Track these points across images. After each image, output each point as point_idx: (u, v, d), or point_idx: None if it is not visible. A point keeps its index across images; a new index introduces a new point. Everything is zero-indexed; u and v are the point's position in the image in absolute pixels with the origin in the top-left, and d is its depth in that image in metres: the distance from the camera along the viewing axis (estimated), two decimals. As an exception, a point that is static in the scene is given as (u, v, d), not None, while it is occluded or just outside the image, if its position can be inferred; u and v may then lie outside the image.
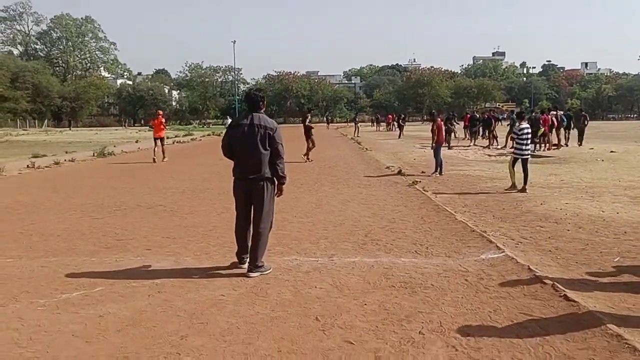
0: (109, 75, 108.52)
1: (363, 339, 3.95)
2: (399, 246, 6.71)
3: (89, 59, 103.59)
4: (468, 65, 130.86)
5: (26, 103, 78.10)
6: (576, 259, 6.09)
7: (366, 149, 25.30)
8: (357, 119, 46.76)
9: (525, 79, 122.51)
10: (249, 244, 5.73)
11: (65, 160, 19.29)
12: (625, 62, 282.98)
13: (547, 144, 22.81)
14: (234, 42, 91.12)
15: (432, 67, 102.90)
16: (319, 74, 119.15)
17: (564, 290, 4.77)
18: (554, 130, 23.05)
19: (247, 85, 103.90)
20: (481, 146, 26.13)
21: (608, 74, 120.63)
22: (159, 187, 12.36)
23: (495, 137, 26.58)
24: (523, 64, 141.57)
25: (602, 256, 6.20)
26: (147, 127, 26.68)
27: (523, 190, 11.14)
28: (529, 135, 11.58)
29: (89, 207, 9.72)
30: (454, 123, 28.88)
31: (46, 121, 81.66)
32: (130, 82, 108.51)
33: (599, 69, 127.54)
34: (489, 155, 21.34)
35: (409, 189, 11.64)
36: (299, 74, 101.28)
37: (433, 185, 12.48)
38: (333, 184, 12.64)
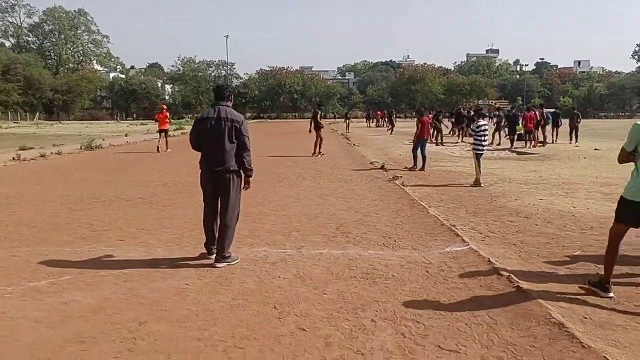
0: (102, 69, 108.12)
1: (316, 326, 4.08)
2: (369, 239, 6.85)
3: (81, 52, 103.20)
4: (462, 62, 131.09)
5: (18, 96, 77.79)
6: (539, 253, 6.25)
7: (354, 144, 25.41)
8: (348, 115, 46.88)
9: (518, 76, 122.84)
10: (217, 235, 5.85)
11: (52, 153, 19.32)
12: (619, 61, 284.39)
13: (533, 141, 23.02)
14: (227, 36, 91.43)
15: (425, 64, 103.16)
16: (313, 69, 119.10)
17: (518, 282, 4.92)
18: (540, 127, 23.27)
19: (241, 80, 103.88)
20: (469, 143, 26.30)
21: (601, 73, 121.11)
22: (141, 181, 12.45)
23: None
24: (517, 62, 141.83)
25: (564, 250, 6.36)
26: (153, 120, 28.14)
27: (479, 183, 11.66)
28: (487, 132, 12.29)
29: (69, 199, 9.80)
30: (443, 120, 29.11)
31: (38, 114, 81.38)
32: (123, 76, 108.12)
33: (592, 68, 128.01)
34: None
35: (388, 184, 11.78)
36: (292, 70, 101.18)
37: (413, 180, 12.61)
38: (315, 179, 12.77)
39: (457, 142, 26.65)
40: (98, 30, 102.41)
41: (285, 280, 5.21)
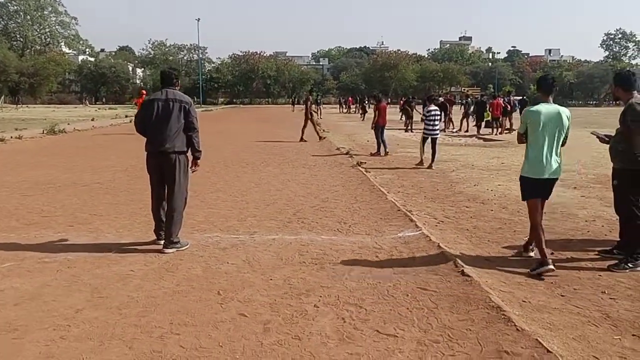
0: (70, 51, 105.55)
1: (257, 312, 4.05)
2: (323, 224, 6.84)
3: (48, 33, 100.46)
4: (435, 49, 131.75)
5: (-19, 78, 75.67)
6: (489, 238, 6.32)
7: (323, 130, 25.29)
8: (318, 101, 46.70)
9: (490, 64, 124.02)
10: (165, 219, 5.78)
11: (11, 137, 18.80)
12: (587, 50, 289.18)
13: (500, 128, 23.30)
14: (198, 19, 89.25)
15: (398, 50, 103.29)
16: (287, 54, 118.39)
17: (463, 267, 4.96)
18: (507, 115, 23.56)
19: (213, 65, 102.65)
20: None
21: (570, 61, 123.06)
22: (101, 165, 12.22)
23: (451, 121, 27.01)
24: (489, 50, 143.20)
25: (515, 235, 6.44)
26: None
27: (430, 167, 12.19)
28: (437, 117, 13.01)
29: (23, 184, 9.56)
30: (415, 107, 29.24)
31: (2, 97, 79.17)
32: (93, 59, 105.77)
33: (562, 56, 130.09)
34: (443, 138, 21.67)
35: (351, 170, 11.78)
36: (265, 55, 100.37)
37: (377, 166, 12.65)
38: (279, 164, 12.70)
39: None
40: (65, 11, 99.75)
41: (233, 265, 5.16)
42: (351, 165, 12.43)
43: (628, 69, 5.76)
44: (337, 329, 3.76)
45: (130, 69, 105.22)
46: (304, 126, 19.42)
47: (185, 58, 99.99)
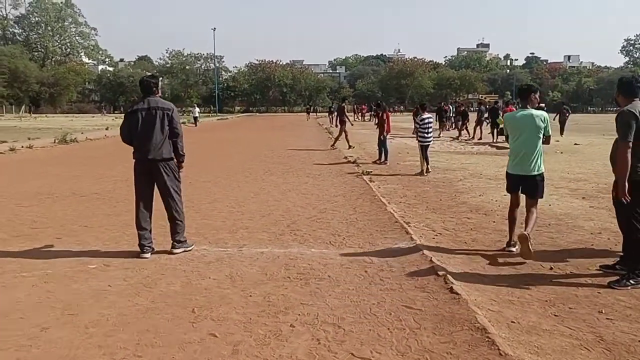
0: (90, 61, 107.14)
1: (229, 332, 3.86)
2: (317, 237, 6.63)
3: (68, 44, 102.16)
4: (452, 56, 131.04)
5: (2, 88, 76.88)
6: (487, 251, 6.06)
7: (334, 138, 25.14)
8: (332, 109, 46.55)
9: (508, 71, 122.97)
10: (150, 228, 5.85)
11: (22, 147, 18.94)
12: (608, 56, 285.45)
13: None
14: (214, 29, 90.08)
15: (415, 57, 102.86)
16: (303, 63, 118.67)
17: (452, 283, 4.71)
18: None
19: (230, 74, 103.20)
20: (451, 137, 26.23)
21: (590, 67, 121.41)
22: (105, 175, 12.18)
23: (466, 129, 26.68)
24: (507, 56, 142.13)
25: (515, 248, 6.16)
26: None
27: (423, 173, 12.44)
28: (431, 125, 13.12)
29: (21, 194, 9.52)
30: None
31: (23, 107, 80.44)
32: (111, 69, 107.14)
33: (582, 62, 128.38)
34: (456, 147, 21.37)
35: (355, 179, 11.57)
36: (281, 63, 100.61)
37: (383, 175, 12.42)
38: (283, 173, 12.54)
39: (439, 136, 26.43)
40: (85, 22, 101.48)
41: (214, 280, 4.98)
42: (356, 175, 12.22)
43: (634, 75, 5.42)
44: (310, 352, 3.55)
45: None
46: (340, 134, 19.60)
47: (202, 67, 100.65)
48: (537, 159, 5.74)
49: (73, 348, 3.60)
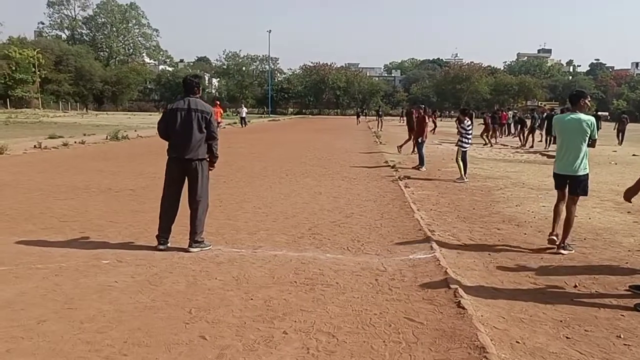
0: (151, 61, 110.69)
1: (220, 335, 3.79)
2: (335, 241, 6.50)
3: (131, 44, 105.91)
4: (511, 62, 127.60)
5: (69, 86, 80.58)
6: (509, 264, 5.77)
7: (380, 142, 24.93)
8: (380, 113, 46.27)
9: (570, 77, 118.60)
10: (172, 223, 6.00)
11: (75, 142, 19.64)
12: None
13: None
14: (269, 31, 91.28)
15: (471, 62, 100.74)
16: (359, 66, 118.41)
17: (462, 297, 4.48)
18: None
19: (284, 75, 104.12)
20: (502, 145, 25.48)
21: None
22: (145, 171, 12.42)
23: (523, 135, 25.74)
24: (570, 62, 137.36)
25: (540, 262, 5.86)
26: None
27: (463, 178, 12.19)
28: (472, 131, 12.81)
29: (60, 188, 9.82)
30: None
31: (87, 104, 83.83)
32: (171, 69, 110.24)
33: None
34: (504, 154, 20.71)
35: (391, 184, 11.34)
36: (335, 66, 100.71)
37: (420, 180, 12.14)
38: (319, 176, 12.44)
39: (491, 143, 25.66)
40: (148, 23, 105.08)
41: (220, 282, 4.93)
42: (392, 179, 11.98)
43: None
44: (296, 361, 3.43)
45: (207, 78, 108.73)
46: (413, 140, 19.19)
47: (258, 68, 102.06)
48: (583, 160, 6.23)
49: (62, 342, 3.62)
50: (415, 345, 3.68)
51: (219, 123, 28.37)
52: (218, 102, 33.00)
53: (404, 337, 3.80)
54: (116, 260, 5.51)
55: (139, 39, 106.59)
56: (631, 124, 33.01)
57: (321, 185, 10.96)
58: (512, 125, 33.03)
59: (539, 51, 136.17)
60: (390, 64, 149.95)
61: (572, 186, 6.33)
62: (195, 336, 3.77)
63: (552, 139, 22.39)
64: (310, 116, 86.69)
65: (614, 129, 28.32)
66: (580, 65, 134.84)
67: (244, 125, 37.44)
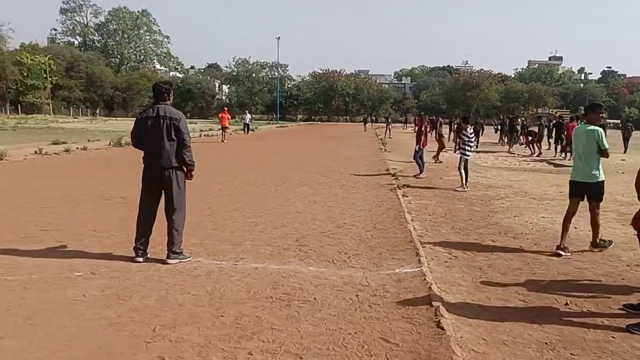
0: (162, 68, 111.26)
1: (180, 356, 3.59)
2: (321, 253, 6.28)
3: (142, 51, 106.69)
4: (522, 69, 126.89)
5: (80, 92, 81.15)
6: (500, 279, 5.53)
7: (385, 150, 24.68)
8: (389, 120, 46.14)
9: (582, 85, 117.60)
10: (149, 233, 5.85)
11: (77, 148, 19.60)
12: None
13: (575, 153, 21.51)
14: (278, 38, 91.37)
15: (481, 69, 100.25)
16: (369, 73, 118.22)
17: (441, 316, 4.25)
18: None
19: (294, 82, 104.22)
20: (509, 153, 25.15)
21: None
22: (138, 179, 12.21)
23: (530, 146, 25.31)
24: (581, 70, 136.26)
25: (533, 276, 5.62)
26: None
27: (464, 187, 11.95)
28: (473, 138, 12.98)
29: (51, 196, 9.68)
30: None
31: (98, 110, 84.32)
32: (181, 75, 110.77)
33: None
34: (510, 162, 20.41)
35: (389, 193, 11.10)
36: (345, 73, 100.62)
37: (420, 189, 11.90)
38: (316, 184, 12.23)
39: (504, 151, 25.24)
40: (159, 30, 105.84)
41: (192, 296, 4.74)
42: (390, 188, 11.75)
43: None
44: (256, 385, 3.22)
45: (217, 85, 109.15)
46: (440, 148, 19.28)
47: (267, 75, 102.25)
48: (597, 168, 6.56)
49: (14, 362, 3.44)
50: (386, 369, 3.46)
51: (225, 128, 28.33)
52: (226, 108, 33.76)
53: (376, 360, 3.58)
54: (90, 272, 5.33)
55: (150, 45, 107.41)
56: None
57: (317, 194, 10.75)
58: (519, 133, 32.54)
59: (550, 58, 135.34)
60: (400, 70, 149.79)
61: (592, 193, 6.61)
62: (154, 356, 3.57)
63: (562, 147, 22.16)
64: (319, 123, 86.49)
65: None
66: (591, 73, 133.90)
67: (247, 132, 37.38)
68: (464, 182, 12.00)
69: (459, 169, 12.16)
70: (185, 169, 5.89)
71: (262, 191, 11.00)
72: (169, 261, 5.68)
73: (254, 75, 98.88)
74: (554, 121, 28.68)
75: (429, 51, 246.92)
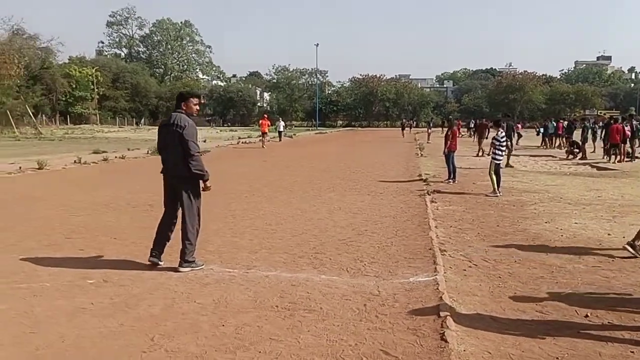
0: (204, 77, 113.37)
1: (173, 366, 3.54)
2: (336, 262, 6.16)
3: (185, 61, 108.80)
4: (569, 70, 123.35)
5: (125, 102, 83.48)
6: (519, 289, 5.28)
7: (421, 155, 24.31)
8: (430, 125, 45.49)
9: (632, 85, 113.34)
10: (166, 241, 5.93)
11: (115, 157, 20.08)
12: None
13: (620, 156, 20.71)
14: (317, 45, 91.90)
15: (525, 71, 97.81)
16: (410, 77, 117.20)
17: (447, 328, 4.06)
18: (627, 141, 20.94)
19: (333, 88, 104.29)
20: (550, 156, 24.38)
21: None
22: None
23: (579, 148, 24.27)
24: (631, 69, 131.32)
25: (555, 287, 5.34)
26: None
27: (495, 192, 11.63)
28: (505, 142, 12.45)
29: (81, 204, 9.90)
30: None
31: (143, 119, 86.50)
32: (223, 84, 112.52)
33: None
34: (550, 166, 19.78)
35: (417, 199, 10.88)
36: (385, 78, 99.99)
37: (450, 194, 11.63)
38: (344, 190, 12.11)
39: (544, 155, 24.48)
40: (201, 40, 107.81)
41: (197, 305, 4.70)
42: (420, 194, 11.51)
43: None
44: (243, 399, 3.14)
45: (258, 93, 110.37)
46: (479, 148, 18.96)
47: (307, 82, 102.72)
48: None
49: (8, 371, 3.46)
50: (382, 383, 3.31)
51: (264, 134, 28.72)
52: (266, 115, 34.45)
53: (372, 374, 3.44)
54: (102, 279, 5.38)
55: (193, 55, 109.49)
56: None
57: (343, 201, 10.63)
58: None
59: (598, 58, 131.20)
60: (442, 74, 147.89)
61: None
62: (147, 367, 3.53)
63: (604, 149, 21.28)
64: (358, 129, 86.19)
65: None
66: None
67: (280, 139, 37.61)
68: (495, 187, 11.65)
69: (490, 173, 11.82)
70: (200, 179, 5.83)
71: (288, 198, 10.96)
72: (181, 269, 5.68)
73: (293, 82, 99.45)
74: (601, 122, 27.72)
75: (472, 54, 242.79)
